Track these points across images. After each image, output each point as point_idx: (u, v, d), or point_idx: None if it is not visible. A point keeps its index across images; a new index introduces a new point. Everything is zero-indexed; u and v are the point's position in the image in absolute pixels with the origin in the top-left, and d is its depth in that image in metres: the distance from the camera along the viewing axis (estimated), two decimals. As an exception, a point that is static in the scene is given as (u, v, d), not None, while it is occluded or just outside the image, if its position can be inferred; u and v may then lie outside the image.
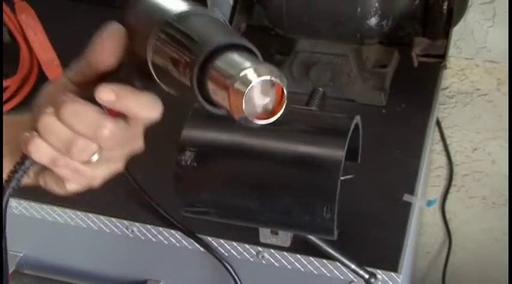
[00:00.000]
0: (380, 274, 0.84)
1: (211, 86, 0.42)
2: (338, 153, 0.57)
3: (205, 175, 0.62)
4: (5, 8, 1.11)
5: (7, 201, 0.51)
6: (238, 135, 0.61)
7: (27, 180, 0.53)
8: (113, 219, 0.94)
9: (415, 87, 1.12)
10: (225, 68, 0.41)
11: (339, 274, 0.86)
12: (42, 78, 1.13)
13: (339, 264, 0.84)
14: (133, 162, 0.54)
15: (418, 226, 1.42)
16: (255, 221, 0.65)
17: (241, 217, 0.65)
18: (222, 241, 0.89)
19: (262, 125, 0.42)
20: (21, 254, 1.04)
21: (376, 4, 0.97)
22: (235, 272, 0.89)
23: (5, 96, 1.12)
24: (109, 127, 0.47)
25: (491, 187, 1.43)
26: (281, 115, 0.65)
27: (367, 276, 0.82)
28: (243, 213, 0.64)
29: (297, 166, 0.58)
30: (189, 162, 0.61)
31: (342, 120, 0.61)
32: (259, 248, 0.87)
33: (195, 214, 0.66)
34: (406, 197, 0.91)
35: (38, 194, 0.97)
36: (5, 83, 1.12)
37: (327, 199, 0.57)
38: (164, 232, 0.92)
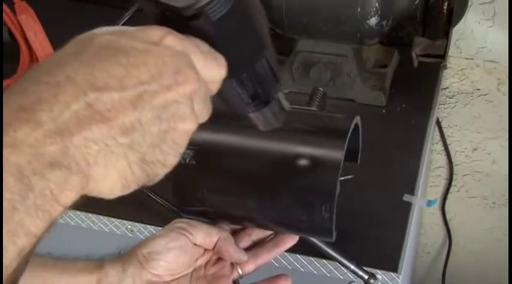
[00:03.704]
0: (380, 274, 0.84)
1: None
2: (337, 154, 0.57)
3: (204, 173, 0.62)
4: (5, 8, 1.11)
5: None
6: (237, 134, 0.61)
7: None
8: (113, 219, 0.94)
9: (415, 87, 1.12)
10: None
11: (338, 274, 0.86)
12: (42, 78, 1.13)
13: (338, 264, 0.83)
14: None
15: (418, 226, 1.42)
16: (253, 222, 0.65)
17: (239, 217, 0.65)
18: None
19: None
20: (21, 254, 1.04)
21: (376, 4, 0.97)
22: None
23: (5, 96, 1.11)
24: None
25: (491, 187, 1.44)
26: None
27: (366, 277, 0.82)
28: (241, 213, 0.63)
29: (296, 166, 0.58)
30: (187, 160, 0.61)
31: (341, 121, 0.61)
32: (259, 248, 0.87)
33: (193, 214, 0.66)
34: (406, 197, 0.90)
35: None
36: (5, 83, 1.12)
37: (326, 198, 0.57)
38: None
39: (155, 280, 0.64)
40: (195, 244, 0.65)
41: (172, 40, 0.41)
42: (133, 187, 0.41)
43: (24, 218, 0.37)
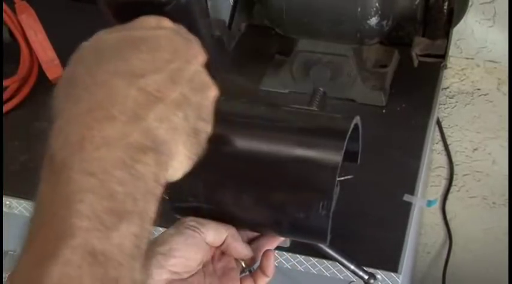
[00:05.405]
0: (380, 274, 0.84)
1: None
2: (336, 154, 0.57)
3: (200, 168, 0.62)
4: (5, 7, 1.11)
5: None
6: (234, 132, 0.61)
7: None
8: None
9: (415, 87, 1.12)
10: None
11: (338, 274, 0.86)
12: (42, 78, 1.13)
13: (338, 264, 0.84)
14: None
15: (418, 226, 1.42)
16: (247, 221, 0.64)
17: (234, 216, 0.64)
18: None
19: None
20: (21, 254, 1.04)
21: (376, 4, 0.97)
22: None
23: (5, 96, 1.12)
24: None
25: (491, 187, 1.44)
26: (280, 115, 0.65)
27: (366, 277, 0.82)
28: (236, 210, 0.63)
29: (294, 166, 0.58)
30: None
31: (341, 121, 0.61)
32: (259, 248, 0.87)
33: (185, 212, 0.65)
34: (406, 197, 0.91)
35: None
36: (5, 83, 1.12)
37: (324, 195, 0.56)
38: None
39: (174, 278, 0.63)
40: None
41: (167, 22, 0.45)
42: (193, 159, 0.45)
43: (145, 206, 0.39)
